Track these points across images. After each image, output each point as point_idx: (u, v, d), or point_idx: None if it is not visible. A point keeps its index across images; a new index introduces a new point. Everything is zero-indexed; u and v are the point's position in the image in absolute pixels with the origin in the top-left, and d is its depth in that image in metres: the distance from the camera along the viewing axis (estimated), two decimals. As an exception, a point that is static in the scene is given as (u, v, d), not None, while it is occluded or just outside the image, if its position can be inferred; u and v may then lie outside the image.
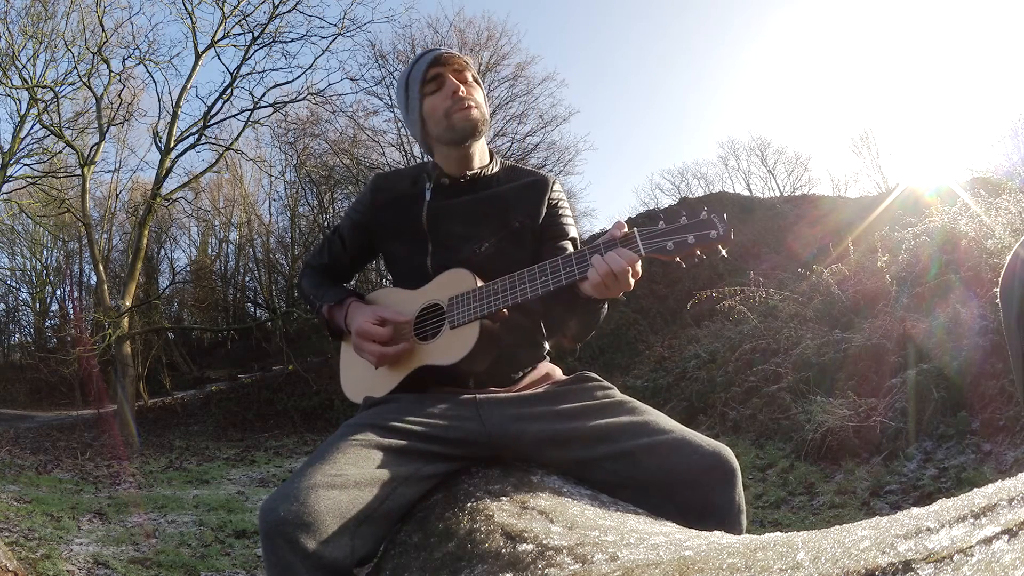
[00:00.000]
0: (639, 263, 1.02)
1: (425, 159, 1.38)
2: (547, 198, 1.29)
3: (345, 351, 1.35)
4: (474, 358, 1.13)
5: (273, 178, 17.38)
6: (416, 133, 1.30)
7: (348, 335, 1.29)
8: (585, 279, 1.04)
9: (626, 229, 1.05)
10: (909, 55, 34.27)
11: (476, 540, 0.89)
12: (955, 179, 7.95)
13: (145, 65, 11.71)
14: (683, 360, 7.08)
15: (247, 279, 20.40)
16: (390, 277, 1.38)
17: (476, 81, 1.29)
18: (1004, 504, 0.48)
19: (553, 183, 1.32)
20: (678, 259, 1.02)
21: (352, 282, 1.57)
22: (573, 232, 1.31)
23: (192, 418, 11.62)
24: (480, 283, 1.15)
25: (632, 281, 1.02)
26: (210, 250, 20.94)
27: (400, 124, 13.95)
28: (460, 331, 1.14)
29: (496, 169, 1.32)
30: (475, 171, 1.29)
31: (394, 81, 13.71)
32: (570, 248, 1.27)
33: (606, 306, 1.17)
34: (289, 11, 11.60)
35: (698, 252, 1.01)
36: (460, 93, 1.23)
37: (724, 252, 1.01)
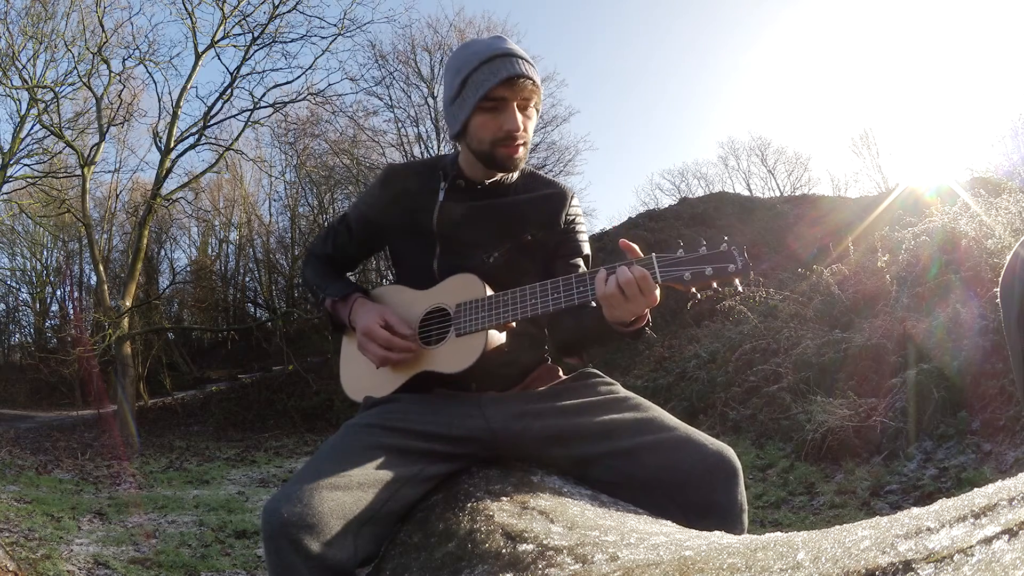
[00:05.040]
0: (649, 279, 0.98)
1: (424, 154, 1.35)
2: (565, 213, 1.26)
3: (346, 347, 1.32)
4: (479, 368, 1.11)
5: (273, 178, 17.39)
6: (451, 127, 1.21)
7: (350, 331, 1.28)
8: (596, 300, 1.02)
9: (636, 248, 1.02)
10: (909, 55, 34.34)
11: (476, 540, 0.89)
12: (955, 179, 7.95)
13: (145, 65, 11.73)
14: (683, 360, 7.07)
15: (247, 279, 20.42)
16: (391, 275, 1.37)
17: (536, 109, 1.19)
18: (1004, 504, 0.48)
19: (572, 197, 1.28)
20: (693, 290, 0.99)
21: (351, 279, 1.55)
22: (587, 249, 1.28)
23: (192, 418, 11.62)
24: (490, 292, 1.13)
25: (642, 297, 0.98)
26: (210, 250, 20.95)
27: (400, 124, 13.94)
28: (466, 340, 1.12)
29: (515, 176, 1.27)
30: (494, 179, 1.24)
31: (394, 81, 13.70)
32: (582, 266, 1.25)
33: (631, 338, 1.11)
34: (289, 11, 11.60)
35: (714, 284, 0.99)
36: (516, 133, 1.14)
37: (741, 287, 0.99)
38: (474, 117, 1.14)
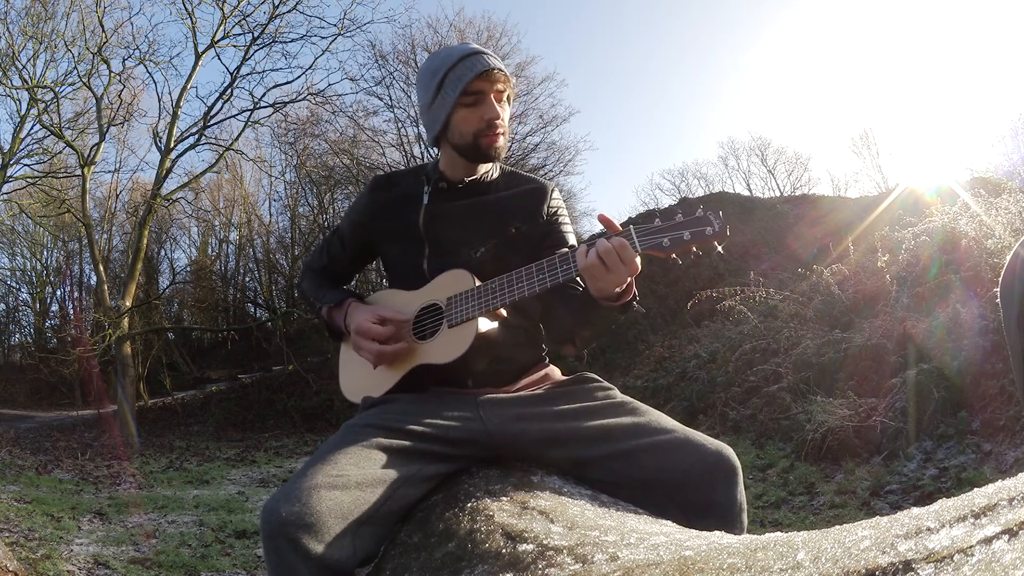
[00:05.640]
0: (628, 247, 1.00)
1: (425, 159, 1.37)
2: (546, 206, 1.29)
3: (344, 351, 1.35)
4: (472, 356, 1.12)
5: (273, 178, 17.40)
6: (431, 128, 1.26)
7: (347, 336, 1.29)
8: (579, 274, 1.04)
9: (614, 222, 1.04)
10: (909, 55, 34.33)
11: (476, 540, 0.89)
12: (955, 179, 7.94)
13: (145, 65, 11.73)
14: (683, 360, 7.08)
15: (247, 279, 20.42)
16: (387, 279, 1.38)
17: (508, 100, 1.26)
18: (1004, 504, 0.48)
19: (552, 190, 1.32)
20: (674, 256, 1.01)
21: (352, 283, 1.56)
22: (572, 240, 1.30)
23: (192, 418, 11.63)
24: (478, 283, 1.16)
25: (622, 266, 1.00)
26: (210, 250, 20.95)
27: (400, 124, 13.95)
28: (458, 329, 1.14)
29: (496, 175, 1.31)
30: (475, 176, 1.28)
31: (394, 81, 13.71)
32: None
33: (618, 313, 1.12)
34: (289, 11, 11.60)
35: (694, 249, 1.00)
36: (497, 121, 1.20)
37: (720, 248, 1.01)
38: (455, 113, 1.20)
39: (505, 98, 1.24)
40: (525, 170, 1.41)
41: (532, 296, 1.08)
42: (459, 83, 1.17)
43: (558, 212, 1.31)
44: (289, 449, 8.52)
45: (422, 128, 1.36)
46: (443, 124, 1.22)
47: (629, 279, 1.05)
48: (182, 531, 4.02)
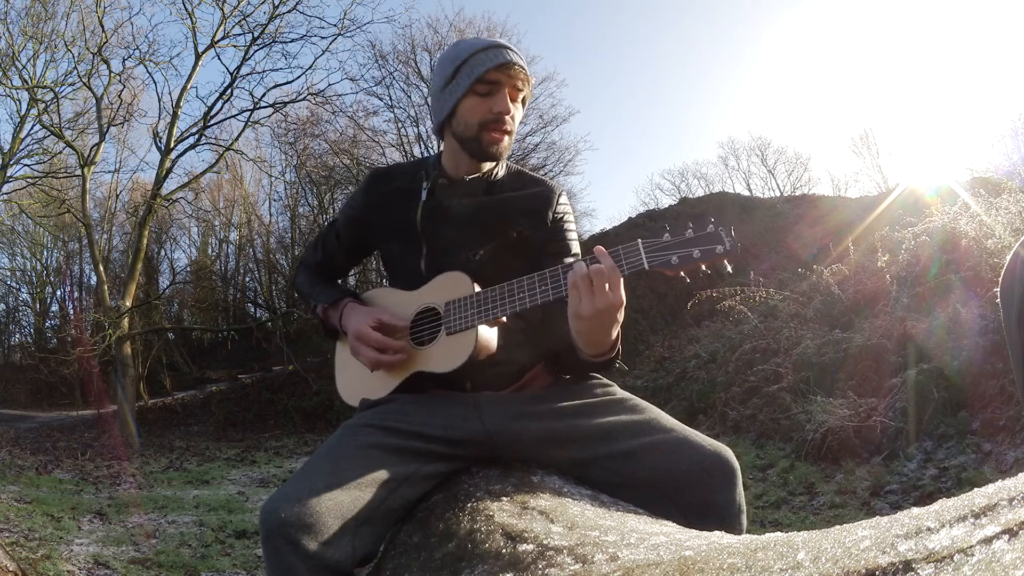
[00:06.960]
0: (617, 272, 0.97)
1: (425, 154, 1.35)
2: (552, 210, 1.24)
3: (340, 352, 1.32)
4: (471, 366, 1.11)
5: (273, 178, 17.38)
6: (438, 114, 1.21)
7: (343, 336, 1.27)
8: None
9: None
10: (909, 55, 34.33)
11: (476, 540, 0.89)
12: (955, 179, 7.93)
13: (145, 65, 11.72)
14: (683, 360, 7.07)
15: (247, 279, 20.41)
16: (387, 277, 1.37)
17: (523, 104, 1.21)
18: (1004, 504, 0.48)
19: (560, 195, 1.26)
20: (682, 274, 0.98)
21: (352, 280, 1.55)
22: (576, 248, 1.26)
23: (192, 418, 11.62)
24: (478, 288, 1.12)
25: (610, 295, 0.96)
26: (210, 250, 20.95)
27: (400, 125, 13.95)
28: (457, 338, 1.12)
29: (501, 174, 1.25)
30: (476, 175, 1.23)
31: (394, 81, 13.71)
32: None
33: (597, 369, 1.12)
34: (289, 11, 11.60)
35: (703, 267, 0.98)
36: (505, 117, 1.15)
37: (730, 268, 0.98)
38: (465, 99, 1.15)
39: (520, 99, 1.19)
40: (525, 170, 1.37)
41: (534, 308, 1.06)
42: (476, 70, 1.13)
43: (564, 218, 1.25)
44: (289, 449, 8.51)
45: (423, 127, 1.35)
46: (450, 110, 1.17)
47: (615, 334, 1.04)
48: (182, 531, 4.02)
